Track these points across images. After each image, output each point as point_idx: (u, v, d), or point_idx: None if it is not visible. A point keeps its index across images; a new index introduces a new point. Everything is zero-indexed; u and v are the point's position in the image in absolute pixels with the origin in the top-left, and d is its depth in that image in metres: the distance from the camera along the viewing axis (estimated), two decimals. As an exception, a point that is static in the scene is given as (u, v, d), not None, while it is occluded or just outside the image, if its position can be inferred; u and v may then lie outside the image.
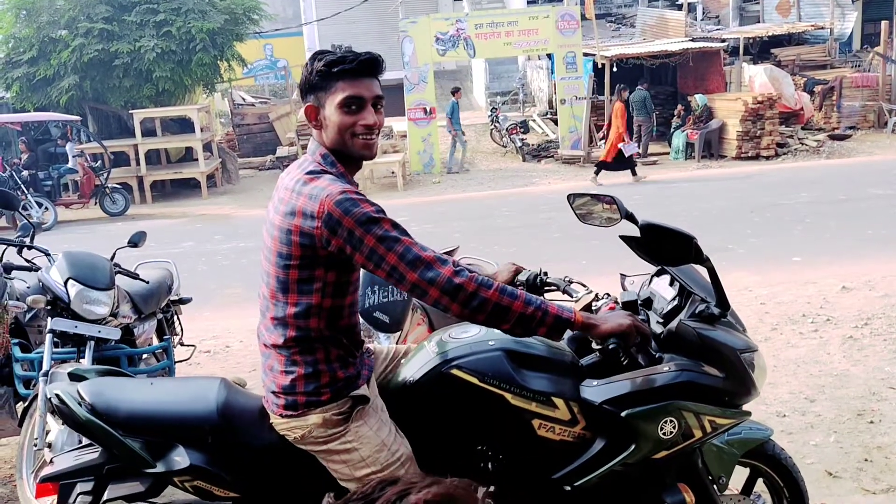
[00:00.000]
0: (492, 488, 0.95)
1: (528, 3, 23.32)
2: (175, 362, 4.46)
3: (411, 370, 2.22)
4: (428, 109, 15.88)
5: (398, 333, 3.13)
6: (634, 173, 13.34)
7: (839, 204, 10.35)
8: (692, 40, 19.10)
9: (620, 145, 13.08)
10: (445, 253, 2.94)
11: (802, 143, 15.92)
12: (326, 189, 1.95)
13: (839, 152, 15.37)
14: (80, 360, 3.83)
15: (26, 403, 3.74)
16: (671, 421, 2.11)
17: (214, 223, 12.72)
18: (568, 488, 2.13)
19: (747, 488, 2.71)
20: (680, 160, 15.73)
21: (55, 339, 3.73)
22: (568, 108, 16.03)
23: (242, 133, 19.52)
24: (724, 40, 19.37)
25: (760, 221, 9.68)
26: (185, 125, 16.41)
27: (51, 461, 2.18)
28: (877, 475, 3.52)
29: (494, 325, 1.97)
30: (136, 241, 4.43)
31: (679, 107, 16.83)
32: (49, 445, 3.38)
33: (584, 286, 2.51)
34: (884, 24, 18.07)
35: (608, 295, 2.46)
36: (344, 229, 1.91)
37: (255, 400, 2.22)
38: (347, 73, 1.99)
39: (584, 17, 16.89)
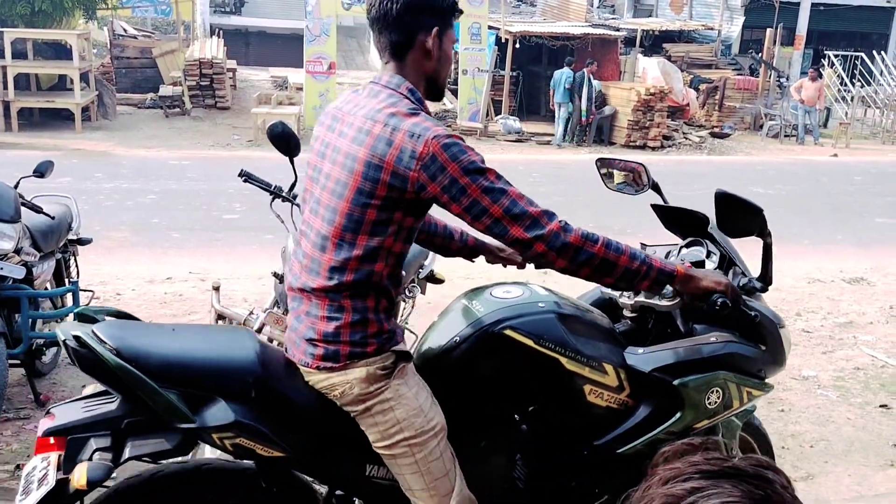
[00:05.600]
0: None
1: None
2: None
3: (452, 330, 2.10)
4: (328, 64, 15.37)
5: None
6: None
7: (725, 199, 10.83)
8: (592, 26, 19.43)
9: None
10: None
11: (686, 138, 16.61)
12: (432, 129, 1.79)
13: (719, 150, 16.13)
14: (-26, 300, 3.43)
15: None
16: (717, 391, 2.14)
17: (93, 160, 11.81)
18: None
19: None
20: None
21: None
22: (469, 79, 15.94)
23: (121, 66, 18.12)
24: (618, 29, 19.82)
25: (654, 209, 9.96)
26: (59, 50, 15.12)
27: (47, 412, 1.86)
28: (795, 462, 3.69)
29: (597, 280, 1.94)
30: (42, 171, 3.99)
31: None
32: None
33: None
34: (769, 31, 19.02)
35: None
36: (447, 176, 1.77)
37: (280, 352, 2.03)
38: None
39: (491, -11, 16.82)
